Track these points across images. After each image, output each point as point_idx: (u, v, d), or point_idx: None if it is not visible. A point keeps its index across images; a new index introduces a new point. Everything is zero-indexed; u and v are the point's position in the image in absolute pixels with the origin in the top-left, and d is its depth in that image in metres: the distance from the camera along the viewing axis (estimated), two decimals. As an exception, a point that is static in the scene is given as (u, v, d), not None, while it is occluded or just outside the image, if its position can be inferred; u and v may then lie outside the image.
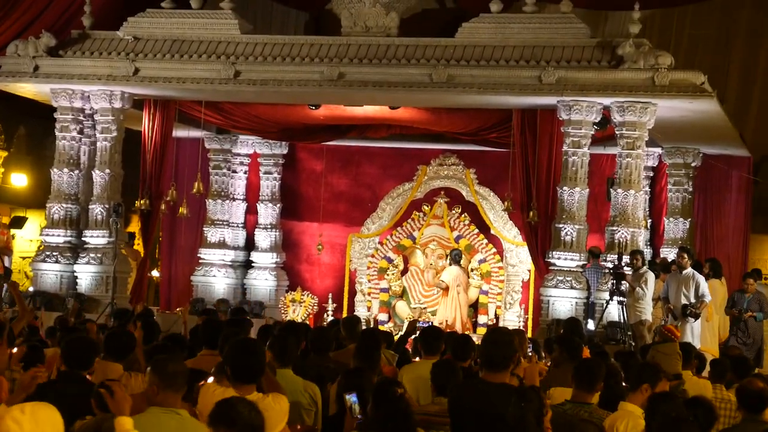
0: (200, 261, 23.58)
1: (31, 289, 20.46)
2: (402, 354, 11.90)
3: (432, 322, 20.52)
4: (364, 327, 14.50)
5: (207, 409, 6.49)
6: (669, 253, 21.12)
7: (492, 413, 6.85)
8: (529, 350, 12.91)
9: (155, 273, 24.36)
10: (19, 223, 24.20)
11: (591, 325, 17.70)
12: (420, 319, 20.19)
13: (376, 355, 9.79)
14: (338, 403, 8.24)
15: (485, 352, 7.24)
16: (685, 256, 17.71)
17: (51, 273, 20.19)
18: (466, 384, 8.19)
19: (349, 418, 7.36)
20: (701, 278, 17.62)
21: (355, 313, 21.23)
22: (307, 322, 20.84)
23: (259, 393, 7.24)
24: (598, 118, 18.15)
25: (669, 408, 7.01)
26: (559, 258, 18.34)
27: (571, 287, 18.24)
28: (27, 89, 20.36)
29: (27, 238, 25.21)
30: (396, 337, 13.87)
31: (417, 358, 11.35)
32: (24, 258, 23.73)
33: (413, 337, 13.00)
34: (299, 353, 10.25)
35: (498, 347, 7.19)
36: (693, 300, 17.28)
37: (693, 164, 21.88)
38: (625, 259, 17.38)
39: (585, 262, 18.63)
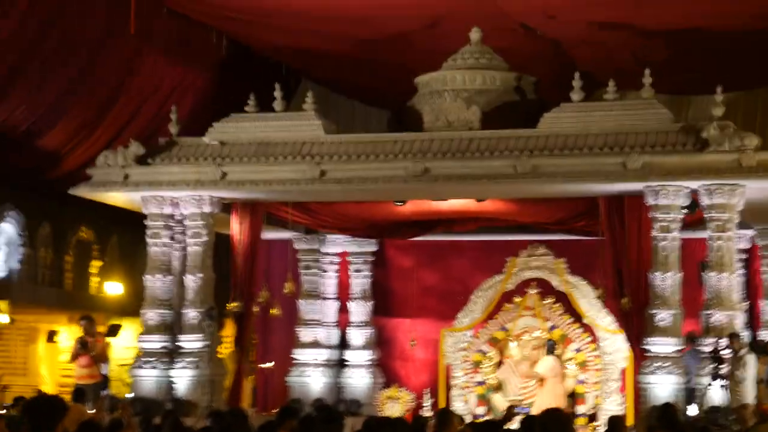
0: (294, 361, 23.62)
1: (130, 395, 20.60)
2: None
3: (530, 410, 20.31)
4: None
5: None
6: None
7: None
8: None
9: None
10: (114, 331, 24.47)
11: (693, 410, 17.41)
12: (519, 406, 20.05)
13: None
14: None
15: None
16: None
17: (149, 379, 20.27)
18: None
19: None
20: None
21: (450, 408, 21.03)
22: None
23: None
24: (687, 202, 17.98)
25: None
26: (655, 344, 18.09)
27: (670, 373, 17.95)
28: (118, 198, 20.67)
29: (124, 346, 25.48)
30: None
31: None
32: (122, 365, 23.95)
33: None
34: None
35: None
36: None
37: (787, 244, 21.59)
38: (724, 342, 17.11)
39: (682, 347, 18.35)
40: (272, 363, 23.03)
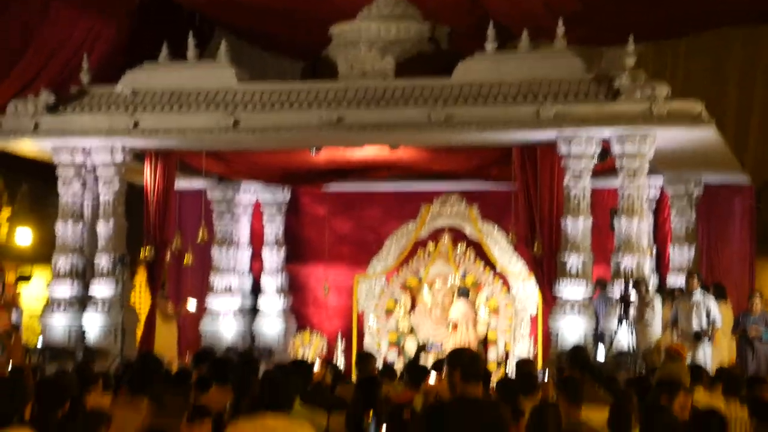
0: (207, 309, 23.63)
1: (39, 343, 20.48)
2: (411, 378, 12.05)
3: (441, 344, 20.60)
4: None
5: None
6: (675, 280, 21.20)
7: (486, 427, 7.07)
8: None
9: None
10: (24, 278, 24.26)
11: (601, 353, 17.75)
12: (429, 342, 20.37)
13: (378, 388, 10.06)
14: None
15: (462, 367, 7.48)
16: (695, 279, 17.78)
17: (59, 327, 20.17)
18: (448, 404, 8.34)
19: None
20: (712, 301, 17.68)
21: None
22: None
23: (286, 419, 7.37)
24: (598, 151, 18.22)
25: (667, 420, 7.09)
26: (565, 289, 18.36)
27: (580, 317, 18.25)
28: (28, 147, 20.43)
29: (34, 296, 25.27)
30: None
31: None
32: (32, 316, 23.76)
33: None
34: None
35: (472, 360, 7.48)
36: (704, 324, 17.35)
37: (695, 193, 21.96)
38: (631, 286, 17.44)
39: (592, 292, 18.67)
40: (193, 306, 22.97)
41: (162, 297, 21.70)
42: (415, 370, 12.72)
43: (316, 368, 14.06)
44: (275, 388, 7.45)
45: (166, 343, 21.42)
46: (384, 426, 7.75)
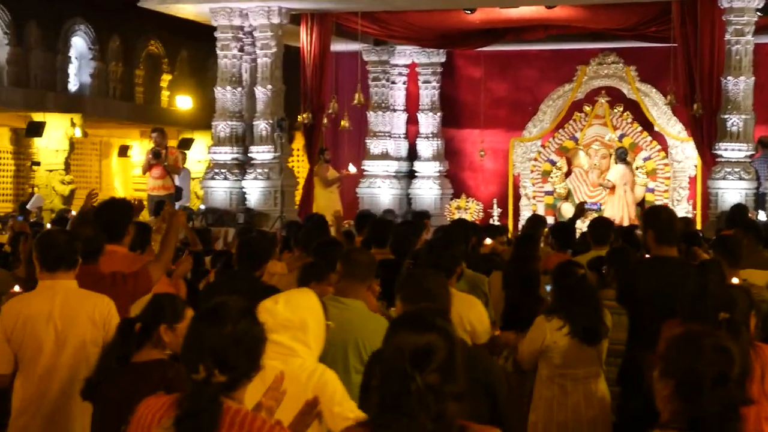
0: (364, 173, 23.84)
1: (202, 207, 20.92)
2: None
3: (600, 204, 20.42)
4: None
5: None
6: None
7: (673, 285, 6.90)
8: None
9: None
10: (186, 144, 24.75)
11: (762, 215, 17.42)
12: (589, 202, 20.16)
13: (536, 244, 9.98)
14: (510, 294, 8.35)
15: (655, 228, 7.31)
16: None
17: (220, 190, 20.57)
18: (640, 263, 8.23)
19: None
20: None
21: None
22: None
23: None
24: (761, 4, 17.69)
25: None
26: (726, 149, 18.04)
27: (740, 178, 17.95)
28: (186, 10, 20.66)
29: (196, 159, 25.81)
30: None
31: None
32: (194, 178, 24.27)
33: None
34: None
35: (668, 222, 7.30)
36: None
37: None
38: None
39: (754, 153, 18.29)
40: (354, 170, 23.11)
41: (323, 162, 21.87)
42: (564, 231, 12.03)
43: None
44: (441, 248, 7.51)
45: (327, 208, 21.52)
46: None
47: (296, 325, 5.11)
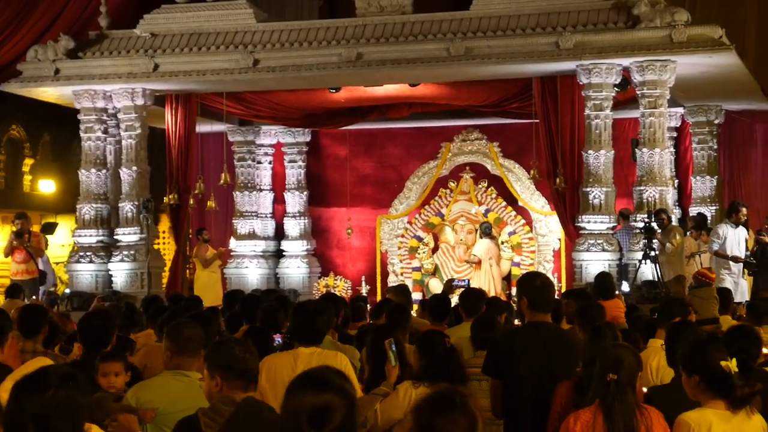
0: (231, 254, 23.73)
1: (67, 291, 20.59)
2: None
3: (469, 281, 20.59)
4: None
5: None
6: (697, 212, 21.13)
7: (548, 350, 6.98)
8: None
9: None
10: (50, 228, 24.29)
11: (625, 286, 17.74)
12: (456, 279, 20.31)
13: (406, 317, 9.96)
14: (370, 361, 8.29)
15: (533, 294, 7.36)
16: (745, 210, 17.70)
17: (86, 273, 20.32)
18: (515, 330, 8.32)
19: (390, 366, 7.43)
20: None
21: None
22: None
23: (321, 350, 7.40)
24: (618, 80, 18.16)
25: (691, 334, 7.00)
26: (588, 222, 18.38)
27: (603, 249, 18.27)
28: (49, 93, 20.49)
29: (59, 244, 25.40)
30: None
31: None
32: (57, 263, 23.88)
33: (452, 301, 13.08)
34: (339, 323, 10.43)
35: (545, 289, 7.38)
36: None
37: (716, 121, 21.90)
38: (654, 218, 17.41)
39: (615, 224, 18.67)
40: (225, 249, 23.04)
41: (201, 242, 21.73)
42: (440, 304, 12.21)
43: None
44: (306, 321, 7.49)
45: (207, 287, 21.27)
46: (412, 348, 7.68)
47: None
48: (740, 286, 17.40)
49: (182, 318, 8.26)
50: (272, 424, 5.28)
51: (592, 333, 6.85)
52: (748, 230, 18.13)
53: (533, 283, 7.44)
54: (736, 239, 17.45)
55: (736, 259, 17.35)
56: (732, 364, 5.60)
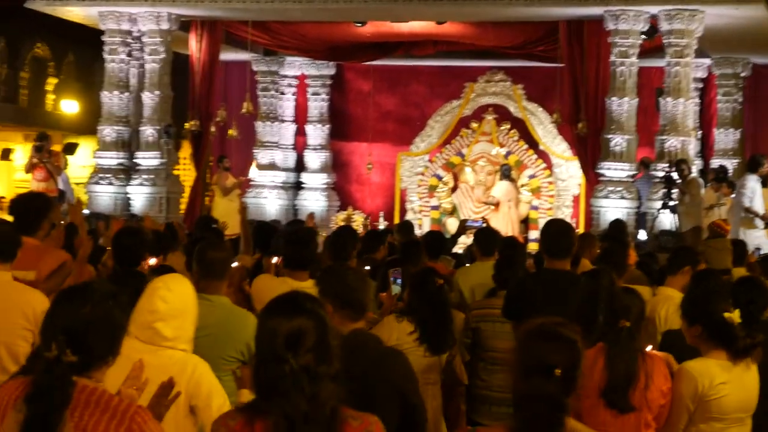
0: (251, 183, 23.76)
1: (86, 211, 20.65)
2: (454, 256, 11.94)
3: (484, 221, 20.57)
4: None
5: (261, 296, 6.75)
6: (718, 164, 21.01)
7: (560, 296, 6.98)
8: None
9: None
10: (71, 148, 24.36)
11: (642, 234, 17.72)
12: (471, 219, 20.33)
13: (418, 250, 9.93)
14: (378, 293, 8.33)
15: (547, 241, 7.40)
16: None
17: (105, 195, 20.38)
18: (530, 274, 8.32)
19: (387, 294, 7.47)
20: None
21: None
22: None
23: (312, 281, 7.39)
24: (646, 27, 18.02)
25: (714, 282, 6.95)
26: (609, 168, 18.33)
27: (622, 197, 18.23)
28: (74, 13, 20.44)
29: (80, 164, 25.48)
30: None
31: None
32: (78, 184, 23.95)
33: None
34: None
35: (559, 236, 7.38)
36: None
37: (742, 74, 21.75)
38: (675, 168, 17.34)
39: (635, 172, 18.62)
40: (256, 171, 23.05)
41: (222, 170, 21.71)
42: (434, 240, 12.16)
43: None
44: (294, 251, 7.50)
45: (226, 216, 21.17)
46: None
47: (182, 314, 5.12)
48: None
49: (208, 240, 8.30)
50: (380, 357, 5.47)
51: (590, 274, 6.81)
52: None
53: (547, 230, 7.52)
54: (765, 197, 17.32)
55: (766, 218, 17.13)
56: (735, 315, 5.58)
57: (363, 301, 5.54)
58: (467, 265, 11.03)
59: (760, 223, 17.27)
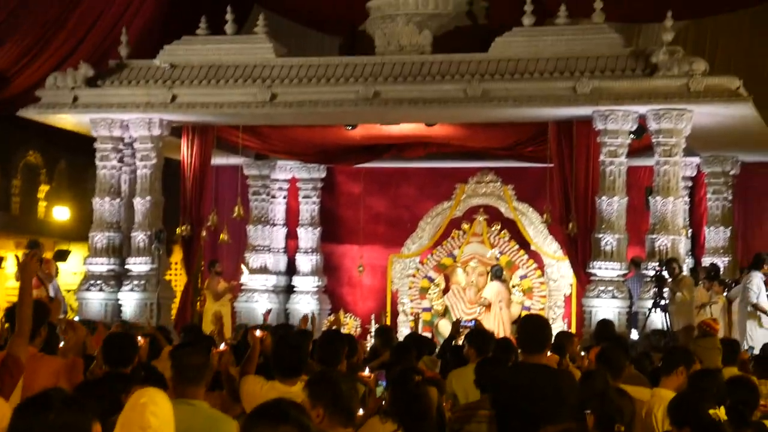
0: (242, 287, 23.72)
1: (76, 318, 20.57)
2: (445, 357, 11.90)
3: (477, 322, 20.53)
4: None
5: (250, 399, 6.70)
6: (710, 262, 21.06)
7: (530, 390, 6.98)
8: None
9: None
10: (62, 256, 24.34)
11: (634, 334, 17.70)
12: (464, 319, 20.30)
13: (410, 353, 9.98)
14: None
15: (522, 337, 7.46)
16: None
17: (95, 301, 20.36)
18: (506, 369, 8.30)
19: (373, 396, 7.45)
20: None
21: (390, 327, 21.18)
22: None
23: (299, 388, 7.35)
24: (634, 127, 18.19)
25: (711, 383, 6.95)
26: (600, 268, 18.36)
27: (613, 297, 18.25)
28: (67, 120, 20.60)
29: (71, 271, 25.41)
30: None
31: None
32: (68, 291, 23.90)
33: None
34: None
35: (535, 330, 7.43)
36: None
37: (731, 172, 21.92)
38: (664, 266, 17.38)
39: (626, 272, 18.65)
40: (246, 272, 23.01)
41: (214, 274, 21.67)
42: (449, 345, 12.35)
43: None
44: (285, 356, 7.47)
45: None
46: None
47: (168, 427, 5.08)
48: None
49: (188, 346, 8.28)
50: None
51: (585, 377, 6.81)
52: None
53: (522, 326, 7.77)
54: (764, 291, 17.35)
55: None
56: (720, 412, 5.56)
57: (354, 408, 5.54)
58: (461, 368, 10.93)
59: (766, 320, 17.29)
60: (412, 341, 11.43)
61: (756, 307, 17.20)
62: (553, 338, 7.82)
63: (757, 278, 17.48)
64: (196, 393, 6.40)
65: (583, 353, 12.62)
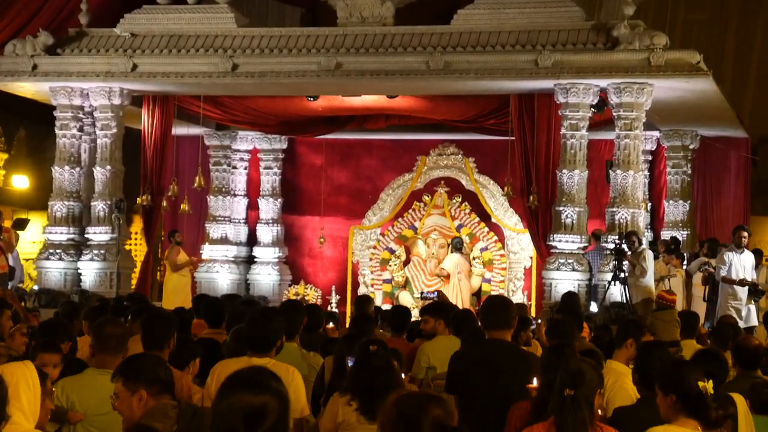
0: (203, 258, 23.67)
1: (35, 287, 20.51)
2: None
3: (439, 293, 20.63)
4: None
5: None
6: (669, 236, 21.19)
7: (496, 365, 7.11)
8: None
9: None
10: (21, 224, 24.21)
11: (594, 307, 17.79)
12: (426, 291, 20.48)
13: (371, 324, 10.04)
14: (336, 369, 8.35)
15: (487, 316, 7.56)
16: (745, 233, 17.60)
17: (55, 270, 20.27)
18: (471, 343, 8.42)
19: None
20: None
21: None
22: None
23: (274, 361, 7.34)
24: (595, 101, 18.23)
25: (661, 353, 7.02)
26: (560, 241, 18.42)
27: (573, 269, 18.31)
28: (26, 88, 20.44)
29: (30, 240, 25.28)
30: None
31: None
32: (27, 260, 23.78)
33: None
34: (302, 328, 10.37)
35: (498, 310, 7.53)
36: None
37: (691, 146, 21.99)
38: (623, 239, 17.46)
39: (586, 245, 18.72)
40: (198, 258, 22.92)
41: (174, 245, 21.53)
42: (399, 315, 12.09)
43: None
44: (258, 330, 7.45)
45: (176, 292, 20.98)
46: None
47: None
48: (750, 312, 17.35)
49: (108, 316, 8.36)
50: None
51: (552, 350, 6.86)
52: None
53: (485, 304, 7.91)
54: (741, 265, 17.38)
55: (743, 283, 17.22)
56: (709, 386, 5.60)
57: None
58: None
59: (740, 291, 17.27)
60: (395, 314, 11.52)
61: (724, 280, 17.27)
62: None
63: (727, 254, 17.49)
64: (114, 363, 6.36)
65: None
